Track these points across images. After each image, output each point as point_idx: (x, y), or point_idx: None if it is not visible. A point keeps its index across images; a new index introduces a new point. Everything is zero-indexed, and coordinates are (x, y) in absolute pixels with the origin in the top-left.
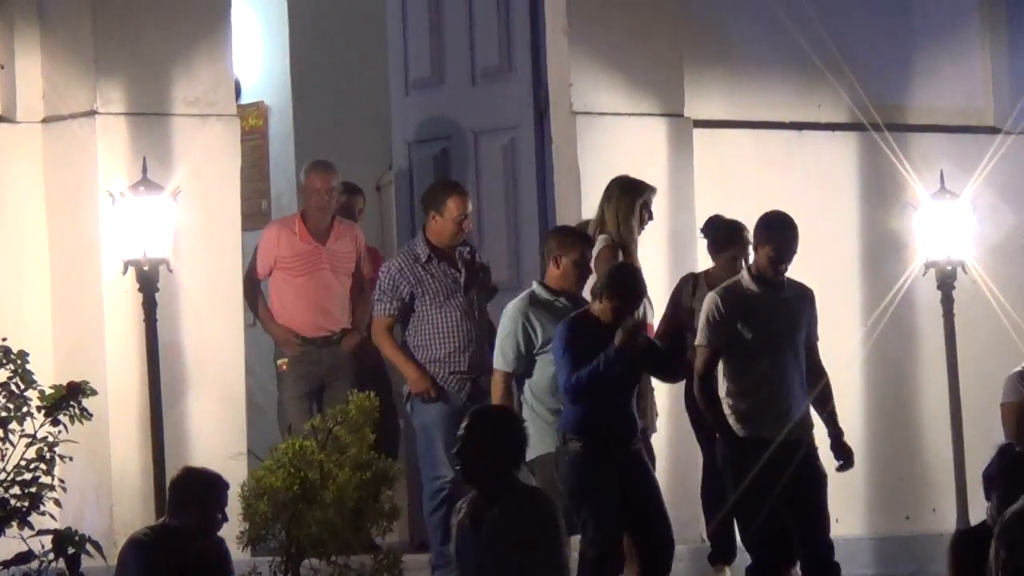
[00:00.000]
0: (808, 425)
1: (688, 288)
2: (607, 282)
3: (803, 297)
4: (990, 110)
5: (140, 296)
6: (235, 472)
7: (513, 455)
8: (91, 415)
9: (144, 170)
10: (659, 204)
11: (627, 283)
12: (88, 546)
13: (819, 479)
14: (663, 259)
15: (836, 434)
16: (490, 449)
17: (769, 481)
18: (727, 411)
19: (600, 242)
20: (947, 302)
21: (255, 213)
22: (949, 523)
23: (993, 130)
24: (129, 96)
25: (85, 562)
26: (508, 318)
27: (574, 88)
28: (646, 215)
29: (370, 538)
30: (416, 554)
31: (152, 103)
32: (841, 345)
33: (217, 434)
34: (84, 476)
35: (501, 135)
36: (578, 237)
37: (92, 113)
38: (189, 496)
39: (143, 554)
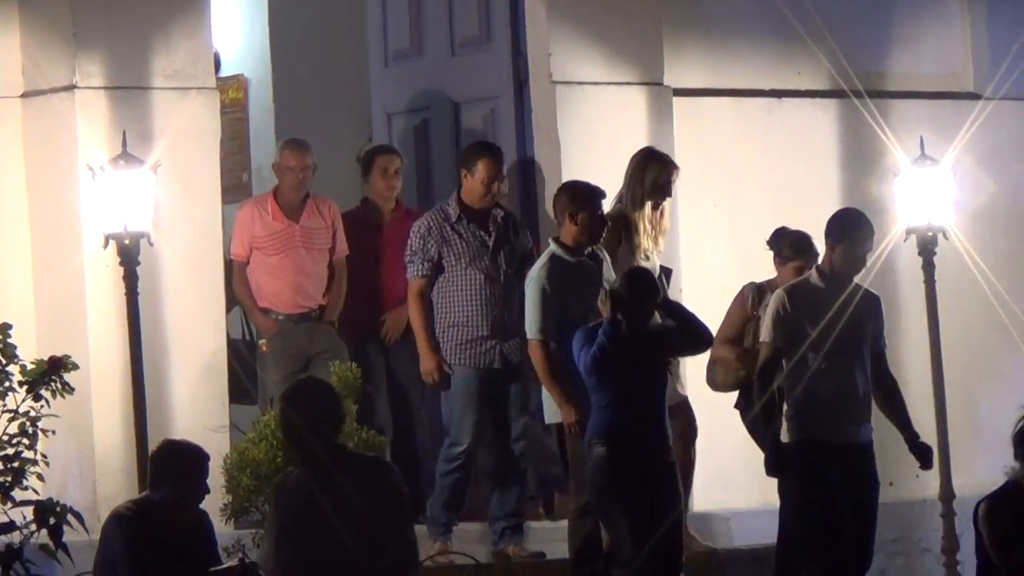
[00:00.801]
0: (868, 431)
1: (753, 296)
2: (618, 292)
3: (871, 303)
4: (970, 76)
5: (121, 270)
6: (218, 445)
7: (326, 424)
8: (73, 389)
9: (124, 144)
10: None
11: (636, 292)
12: (70, 518)
13: (874, 485)
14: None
15: (911, 438)
16: (306, 422)
17: (832, 487)
18: (790, 412)
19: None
20: (928, 268)
21: (235, 186)
22: (932, 489)
23: (973, 96)
24: (108, 70)
25: (68, 535)
26: (530, 286)
27: (553, 58)
28: (657, 192)
29: None
30: None
31: (131, 77)
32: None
33: (199, 407)
34: (67, 450)
35: (481, 105)
36: (591, 190)
37: (72, 87)
38: (170, 469)
39: (126, 528)
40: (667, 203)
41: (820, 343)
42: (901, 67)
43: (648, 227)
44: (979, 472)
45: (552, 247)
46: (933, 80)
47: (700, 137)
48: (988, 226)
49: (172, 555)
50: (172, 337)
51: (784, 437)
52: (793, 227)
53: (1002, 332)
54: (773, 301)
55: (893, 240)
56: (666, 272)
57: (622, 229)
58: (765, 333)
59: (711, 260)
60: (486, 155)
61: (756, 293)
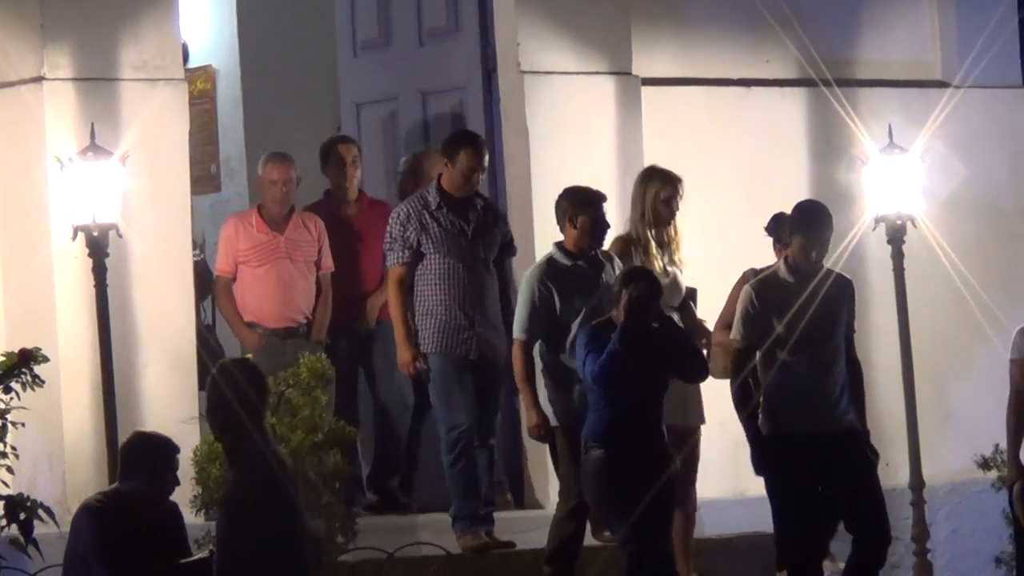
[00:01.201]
0: (846, 420)
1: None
2: (618, 290)
3: (843, 288)
4: (938, 64)
5: (90, 262)
6: (188, 436)
7: (248, 409)
8: (43, 382)
9: (92, 135)
10: (607, 163)
11: (640, 292)
12: (40, 512)
13: (867, 467)
14: (611, 217)
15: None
16: (226, 403)
17: (808, 479)
18: (763, 406)
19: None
20: (897, 257)
21: (204, 177)
22: (902, 477)
23: (942, 84)
24: (77, 61)
25: (38, 528)
26: (524, 285)
27: (522, 47)
28: (661, 208)
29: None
30: (370, 516)
31: (100, 68)
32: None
33: (169, 399)
34: (36, 443)
35: (450, 95)
36: (591, 194)
37: (40, 79)
38: (139, 460)
39: (96, 520)
40: (677, 219)
41: (789, 337)
42: (869, 55)
43: (659, 245)
44: (949, 460)
45: (551, 250)
46: (901, 68)
47: (669, 127)
48: (957, 214)
49: (142, 547)
50: (141, 329)
51: (760, 428)
52: (764, 216)
53: (971, 320)
54: (742, 297)
55: (862, 228)
56: (691, 293)
57: (633, 249)
58: (735, 331)
59: (683, 249)
60: (470, 145)
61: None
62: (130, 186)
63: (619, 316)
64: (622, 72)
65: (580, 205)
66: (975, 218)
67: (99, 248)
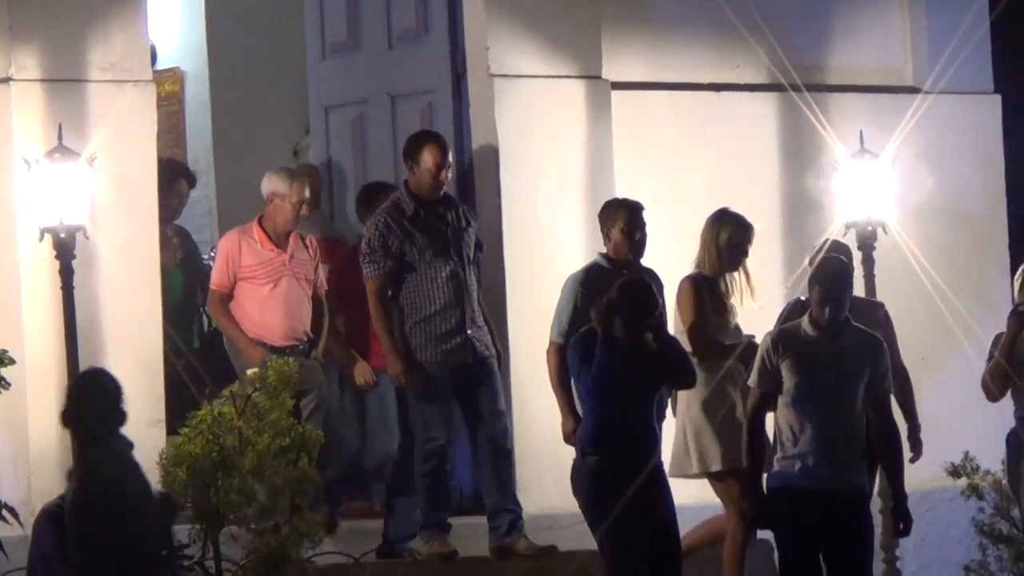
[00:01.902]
0: (855, 481)
1: (795, 313)
2: (613, 300)
3: (866, 347)
4: (909, 70)
5: (57, 264)
6: (154, 440)
7: (98, 419)
8: (9, 384)
9: (60, 137)
10: (576, 167)
11: (630, 302)
12: (5, 513)
13: (859, 541)
14: (581, 225)
15: (897, 498)
16: (80, 411)
17: (806, 535)
18: (776, 458)
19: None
20: (868, 263)
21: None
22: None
23: (912, 90)
24: (44, 62)
25: (3, 530)
26: (566, 289)
27: (491, 51)
28: (732, 254)
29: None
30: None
31: (67, 69)
32: (763, 305)
33: (135, 402)
34: (1, 446)
35: (419, 99)
36: (620, 205)
37: (7, 80)
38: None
39: (57, 525)
40: (750, 264)
41: (803, 392)
42: (840, 61)
43: (731, 288)
44: (918, 468)
45: (597, 257)
46: (872, 74)
47: (638, 131)
48: (927, 220)
49: None
50: (108, 331)
51: (768, 482)
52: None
53: (942, 326)
54: (761, 344)
55: (832, 235)
56: (754, 346)
57: (704, 291)
58: (752, 378)
59: (650, 255)
60: (429, 142)
61: (800, 310)
62: (97, 188)
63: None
64: (592, 76)
65: (608, 217)
66: (946, 225)
67: (66, 250)
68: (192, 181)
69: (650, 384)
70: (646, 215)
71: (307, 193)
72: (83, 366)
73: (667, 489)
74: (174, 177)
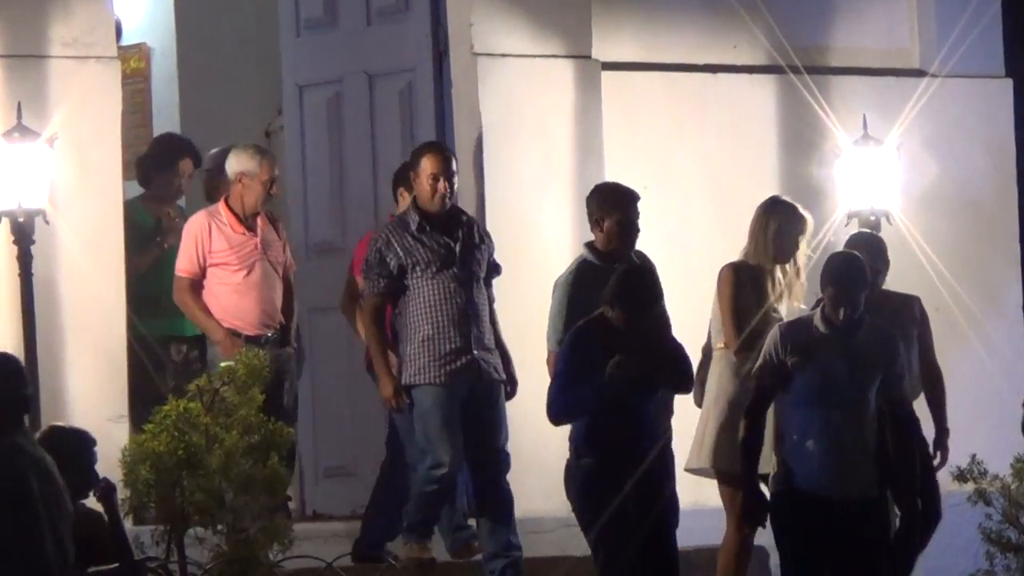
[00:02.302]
0: (864, 489)
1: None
2: (613, 290)
3: (881, 345)
4: (916, 52)
5: (15, 249)
6: (116, 436)
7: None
8: None
9: (19, 116)
10: (565, 152)
11: (633, 292)
12: None
13: (866, 553)
14: (568, 212)
15: (906, 511)
16: None
17: (816, 543)
18: (777, 460)
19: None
20: None
21: (136, 161)
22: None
23: (919, 73)
24: (3, 37)
25: None
26: (557, 292)
27: (475, 28)
28: (782, 243)
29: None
30: (307, 523)
31: (27, 44)
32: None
33: (97, 396)
34: None
35: (398, 78)
36: (620, 196)
37: None
38: (55, 456)
39: None
40: (801, 257)
41: (812, 391)
42: (843, 42)
43: (779, 282)
44: None
45: (583, 251)
46: (877, 56)
47: (630, 114)
48: (934, 210)
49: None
50: (69, 321)
51: (771, 484)
52: (729, 210)
53: (948, 321)
54: (768, 337)
55: (834, 225)
56: None
57: (748, 280)
58: (757, 369)
59: (641, 245)
60: (430, 150)
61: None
62: (58, 170)
63: (616, 319)
64: (581, 56)
65: (606, 209)
66: (953, 215)
67: (25, 235)
68: (197, 159)
69: (650, 387)
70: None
71: (277, 171)
72: (42, 357)
73: (665, 491)
74: (178, 155)
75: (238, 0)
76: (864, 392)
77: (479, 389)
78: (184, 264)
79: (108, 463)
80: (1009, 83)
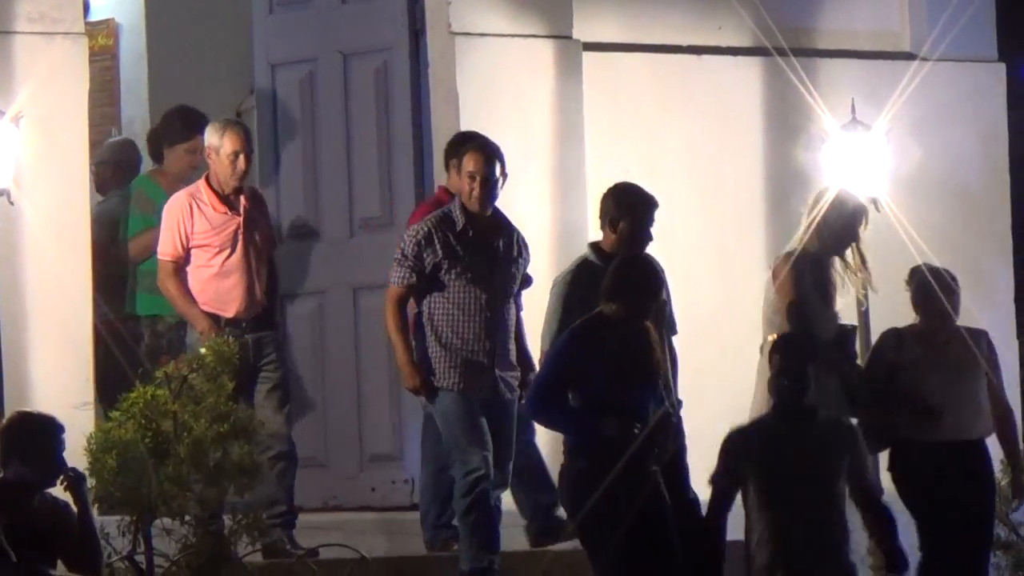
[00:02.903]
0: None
1: (890, 343)
2: (611, 280)
3: (839, 433)
4: (906, 34)
5: None
6: (81, 424)
7: None
8: None
9: None
10: (544, 134)
11: (633, 281)
12: None
13: None
14: (547, 196)
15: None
16: None
17: None
18: (752, 562)
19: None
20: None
21: (104, 140)
22: None
23: (909, 56)
24: None
25: None
26: (555, 293)
27: (453, 6)
28: (842, 234)
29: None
30: None
31: None
32: (745, 289)
33: (61, 382)
34: None
35: (373, 57)
36: (640, 199)
37: None
38: (18, 442)
39: None
40: (864, 248)
41: (771, 490)
42: (831, 23)
43: (840, 274)
44: None
45: (586, 251)
46: (865, 38)
47: (612, 96)
48: (923, 197)
49: (33, 539)
50: (32, 305)
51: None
52: (712, 194)
53: None
54: (723, 441)
55: (821, 211)
56: (849, 333)
57: (806, 271)
58: (714, 472)
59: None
60: (472, 145)
61: (896, 338)
62: (23, 149)
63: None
64: (562, 36)
65: (624, 209)
66: (943, 201)
67: None
68: None
69: (651, 382)
70: None
71: (243, 143)
72: (5, 342)
73: (664, 501)
74: (193, 129)
75: None
76: (826, 487)
77: (496, 403)
78: (167, 247)
79: (73, 451)
80: (1001, 67)
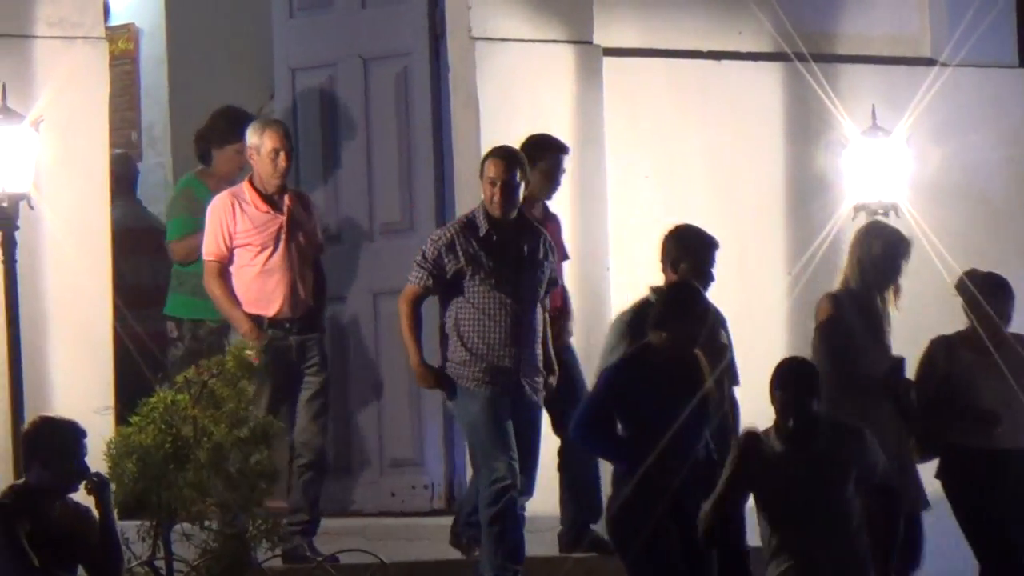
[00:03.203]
0: None
1: (940, 351)
2: (659, 310)
3: (843, 443)
4: (926, 39)
5: None
6: (101, 428)
7: None
8: None
9: (3, 97)
10: (565, 140)
11: (681, 310)
12: None
13: None
14: (567, 203)
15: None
16: None
17: None
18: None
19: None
20: None
21: (124, 145)
22: None
23: (929, 61)
24: None
25: None
26: (614, 329)
27: (473, 11)
28: (886, 267)
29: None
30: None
31: (12, 24)
32: (765, 294)
33: (82, 387)
34: None
35: (393, 62)
36: (700, 239)
37: None
38: (40, 447)
39: (5, 520)
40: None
41: (777, 512)
42: (851, 29)
43: (882, 307)
44: (930, 472)
45: (648, 293)
46: (886, 43)
47: (632, 102)
48: (943, 203)
49: (54, 544)
50: (53, 309)
51: None
52: (731, 201)
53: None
54: (731, 452)
55: (841, 218)
56: (899, 364)
57: (851, 308)
58: (719, 486)
59: (642, 238)
60: (491, 153)
61: (945, 346)
62: (43, 153)
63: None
64: (582, 41)
65: (684, 251)
66: (964, 207)
67: (9, 221)
68: None
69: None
70: (637, 193)
71: (283, 141)
72: (25, 346)
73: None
74: (240, 129)
75: None
76: (832, 505)
77: (521, 409)
78: (211, 248)
79: (93, 456)
80: (1022, 73)
